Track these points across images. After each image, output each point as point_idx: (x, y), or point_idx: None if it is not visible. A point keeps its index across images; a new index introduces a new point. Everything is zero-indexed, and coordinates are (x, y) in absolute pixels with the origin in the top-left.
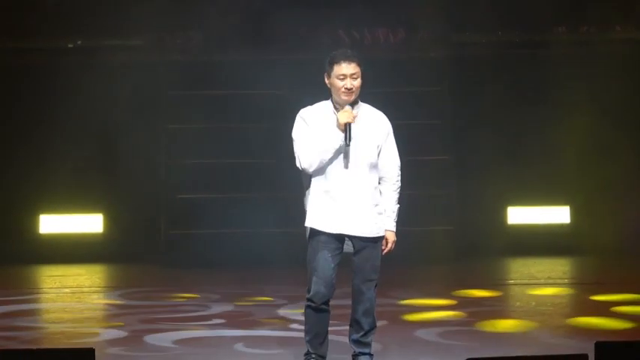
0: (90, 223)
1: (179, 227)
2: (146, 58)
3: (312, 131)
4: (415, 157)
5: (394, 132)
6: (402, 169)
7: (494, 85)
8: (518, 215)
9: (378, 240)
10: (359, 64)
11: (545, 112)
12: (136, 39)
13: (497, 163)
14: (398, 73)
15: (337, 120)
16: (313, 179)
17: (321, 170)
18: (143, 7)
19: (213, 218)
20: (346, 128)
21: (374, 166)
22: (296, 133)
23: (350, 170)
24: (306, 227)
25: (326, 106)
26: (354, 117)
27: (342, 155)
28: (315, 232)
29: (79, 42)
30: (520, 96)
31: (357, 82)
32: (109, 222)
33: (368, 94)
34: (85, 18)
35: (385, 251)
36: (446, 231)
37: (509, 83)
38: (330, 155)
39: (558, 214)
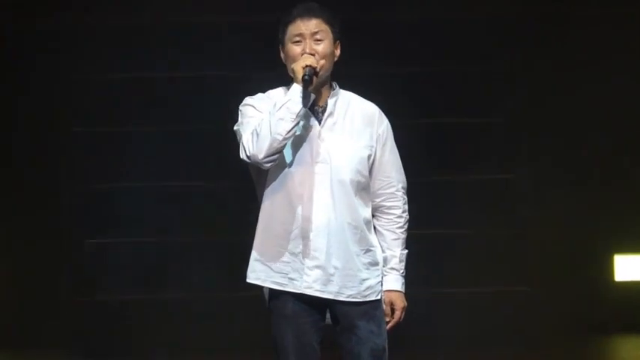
0: None
1: (88, 291)
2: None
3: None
4: (460, 177)
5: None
6: (443, 193)
7: (587, 61)
8: (632, 268)
9: (376, 306)
10: (327, 22)
11: None
12: None
13: (593, 184)
14: (429, 43)
15: (294, 73)
16: (264, 204)
17: (278, 191)
18: None
19: (141, 275)
20: (309, 78)
21: (363, 189)
22: (241, 120)
23: (324, 194)
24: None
25: (282, 91)
26: (321, 64)
27: (310, 168)
28: (276, 295)
29: None
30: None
31: (323, 47)
32: None
33: (375, 76)
34: None
35: (390, 324)
36: (521, 294)
37: (618, 57)
38: (288, 127)
39: None
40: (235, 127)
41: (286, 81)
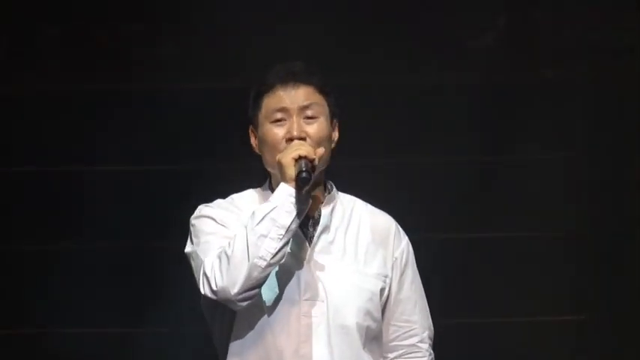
0: None
1: None
2: None
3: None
4: None
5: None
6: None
7: None
8: None
9: None
10: (320, 90)
11: None
12: None
13: None
14: None
15: (280, 167)
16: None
17: (250, 342)
18: None
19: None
20: (308, 175)
21: (375, 338)
22: (197, 239)
23: (319, 347)
24: None
25: (255, 196)
26: (319, 154)
27: (297, 308)
28: None
29: None
30: None
31: (318, 128)
32: None
33: None
34: None
35: None
36: None
37: None
38: (274, 248)
39: None
40: (188, 249)
41: (258, 178)
